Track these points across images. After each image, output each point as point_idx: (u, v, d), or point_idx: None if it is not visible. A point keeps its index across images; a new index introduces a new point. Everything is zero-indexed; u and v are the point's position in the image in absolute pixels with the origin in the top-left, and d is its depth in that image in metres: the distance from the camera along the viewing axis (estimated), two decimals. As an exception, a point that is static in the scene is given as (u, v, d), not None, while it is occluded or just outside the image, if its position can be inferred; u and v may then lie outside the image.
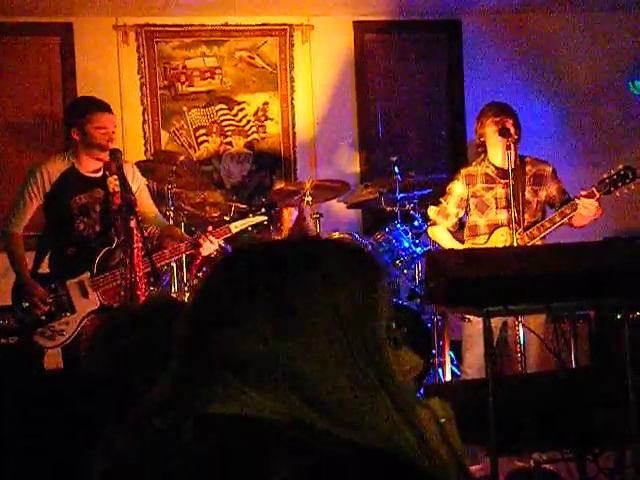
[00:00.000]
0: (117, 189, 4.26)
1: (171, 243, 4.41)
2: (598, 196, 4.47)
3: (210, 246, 4.40)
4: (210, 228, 4.46)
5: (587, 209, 4.47)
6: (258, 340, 1.04)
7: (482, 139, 4.71)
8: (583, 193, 4.49)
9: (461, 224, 4.88)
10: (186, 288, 5.27)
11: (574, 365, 3.87)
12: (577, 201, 4.48)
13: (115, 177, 4.27)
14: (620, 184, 4.50)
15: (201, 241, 4.37)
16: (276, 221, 5.78)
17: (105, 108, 4.35)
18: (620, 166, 4.53)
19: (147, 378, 1.74)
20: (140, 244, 4.00)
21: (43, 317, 4.20)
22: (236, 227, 4.58)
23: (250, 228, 4.92)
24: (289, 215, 5.92)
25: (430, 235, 5.06)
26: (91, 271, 4.28)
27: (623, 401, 3.14)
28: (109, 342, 1.88)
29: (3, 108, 6.32)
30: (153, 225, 4.56)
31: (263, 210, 4.77)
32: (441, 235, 4.84)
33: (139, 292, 3.98)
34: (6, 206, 4.51)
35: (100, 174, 4.38)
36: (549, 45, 7.11)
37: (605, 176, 4.53)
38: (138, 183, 4.50)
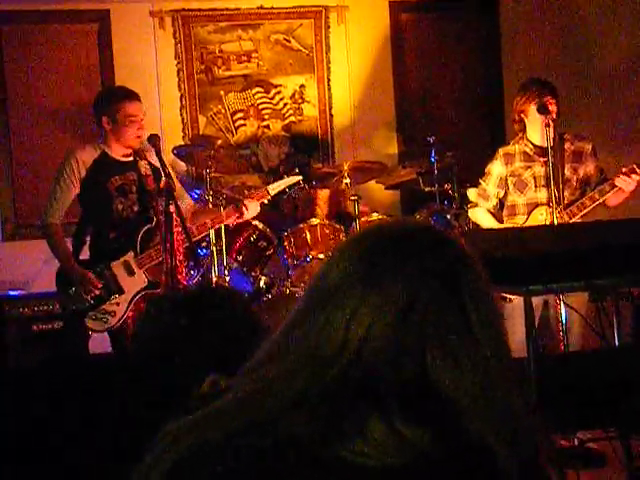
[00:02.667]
0: (149, 172, 4.31)
1: (210, 214, 4.48)
2: (639, 173, 4.41)
3: (253, 208, 4.49)
4: (247, 192, 4.51)
5: (627, 184, 4.40)
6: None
7: (522, 115, 4.65)
8: (624, 170, 4.43)
9: (501, 204, 4.83)
10: (226, 272, 5.30)
11: (617, 343, 3.84)
12: (617, 179, 4.42)
13: (145, 162, 4.33)
14: None
15: (243, 206, 4.46)
16: (313, 203, 5.78)
17: (134, 97, 4.40)
18: None
19: (193, 363, 1.76)
20: (179, 228, 4.03)
21: (92, 301, 4.25)
22: (273, 189, 4.64)
23: (287, 189, 4.94)
24: (323, 197, 5.92)
25: (471, 217, 5.01)
26: (135, 250, 4.33)
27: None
28: (157, 323, 1.89)
29: (42, 95, 6.38)
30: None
31: (297, 170, 4.82)
32: (482, 216, 4.80)
33: (180, 276, 4.01)
34: (45, 193, 4.54)
35: (131, 158, 4.42)
36: (585, 22, 7.00)
37: None
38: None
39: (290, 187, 4.93)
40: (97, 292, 4.24)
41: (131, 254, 4.33)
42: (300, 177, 4.88)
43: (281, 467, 0.91)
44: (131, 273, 4.32)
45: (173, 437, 0.99)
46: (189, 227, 4.27)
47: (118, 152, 4.42)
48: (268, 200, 4.70)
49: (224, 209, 4.49)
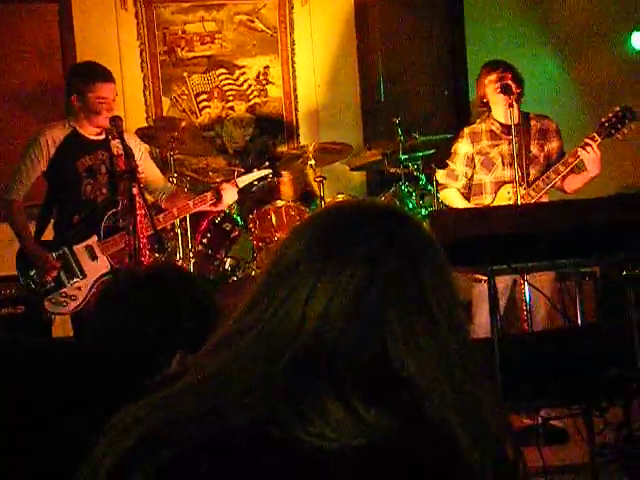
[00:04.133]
0: (120, 152, 4.24)
1: (184, 199, 4.46)
2: (599, 140, 4.41)
3: (231, 195, 4.51)
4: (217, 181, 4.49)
5: (590, 154, 4.40)
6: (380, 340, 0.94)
7: (485, 100, 4.67)
8: (585, 141, 4.44)
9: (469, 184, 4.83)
10: (191, 254, 5.27)
11: (580, 322, 3.87)
12: (578, 148, 4.43)
13: (118, 141, 4.25)
14: (620, 125, 4.42)
15: (222, 191, 4.47)
16: (278, 185, 5.77)
17: (107, 78, 4.33)
18: (617, 107, 4.46)
19: (150, 350, 1.74)
20: (143, 211, 4.00)
21: (52, 284, 4.20)
22: (242, 182, 4.61)
23: (256, 182, 4.92)
24: (288, 178, 5.90)
25: (442, 199, 4.97)
26: (98, 234, 4.29)
27: (629, 356, 3.14)
28: (107, 312, 1.86)
29: (1, 77, 6.28)
30: (162, 192, 4.59)
31: (267, 164, 4.81)
32: (453, 197, 4.78)
33: (143, 259, 3.99)
34: (6, 174, 4.49)
35: (103, 137, 4.37)
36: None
37: (604, 119, 4.46)
38: (141, 152, 4.50)
39: (259, 180, 4.91)
40: (54, 273, 4.19)
41: (95, 238, 4.29)
42: (270, 171, 4.86)
43: (236, 452, 0.90)
44: (94, 258, 4.27)
45: (125, 424, 0.97)
46: (171, 210, 4.29)
47: (89, 130, 4.36)
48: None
49: (199, 196, 4.45)
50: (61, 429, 1.58)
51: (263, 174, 4.81)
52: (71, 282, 4.24)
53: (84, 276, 4.26)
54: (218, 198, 4.47)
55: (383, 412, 0.91)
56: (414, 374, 0.93)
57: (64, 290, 4.22)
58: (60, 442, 1.56)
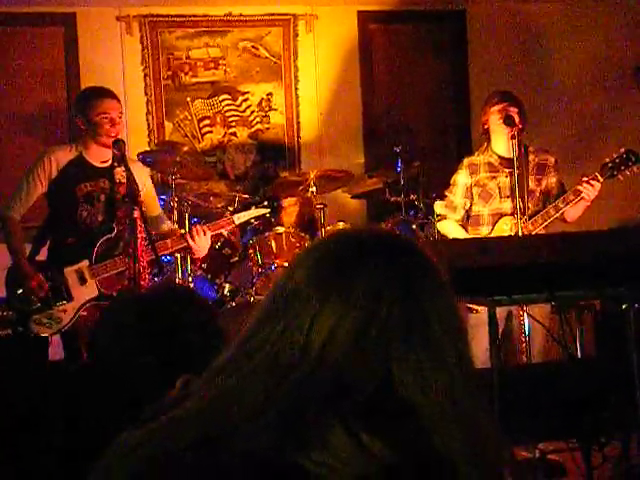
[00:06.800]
0: (124, 180, 4.22)
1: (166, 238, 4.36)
2: (602, 181, 4.43)
3: (201, 242, 4.29)
4: (211, 222, 4.44)
5: (590, 193, 4.42)
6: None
7: (486, 127, 4.68)
8: (586, 178, 4.46)
9: (467, 215, 4.84)
10: (190, 278, 5.26)
11: (579, 355, 3.86)
12: (580, 187, 4.44)
13: (122, 168, 4.24)
14: (623, 168, 4.44)
15: (188, 237, 4.28)
16: (278, 212, 5.78)
17: (106, 94, 4.33)
18: (622, 149, 4.48)
19: (154, 372, 1.74)
20: (143, 234, 3.99)
21: (39, 304, 4.18)
22: (239, 218, 4.58)
23: (253, 220, 4.92)
24: (290, 205, 5.91)
25: (441, 230, 4.98)
26: (90, 259, 4.26)
27: (629, 390, 3.13)
28: (118, 331, 1.86)
29: (6, 98, 6.31)
30: (154, 224, 4.51)
31: (266, 203, 4.81)
32: (451, 228, 4.78)
33: (143, 282, 3.97)
34: (6, 195, 4.48)
35: (108, 164, 4.36)
36: (551, 34, 7.08)
37: (608, 160, 4.48)
38: (143, 181, 4.46)
39: (256, 218, 4.90)
40: (42, 293, 4.16)
41: (86, 262, 4.26)
42: (268, 210, 4.86)
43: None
44: (83, 282, 4.24)
45: (125, 449, 0.96)
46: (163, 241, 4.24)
47: (96, 157, 4.33)
48: (232, 228, 4.69)
49: (169, 239, 4.34)
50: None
51: (261, 213, 4.80)
52: (58, 304, 4.20)
53: (71, 299, 4.22)
54: (188, 247, 4.36)
55: (387, 441, 0.90)
56: (419, 403, 0.93)
57: (50, 312, 4.20)
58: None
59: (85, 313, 4.22)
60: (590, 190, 4.41)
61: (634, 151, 4.48)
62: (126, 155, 4.20)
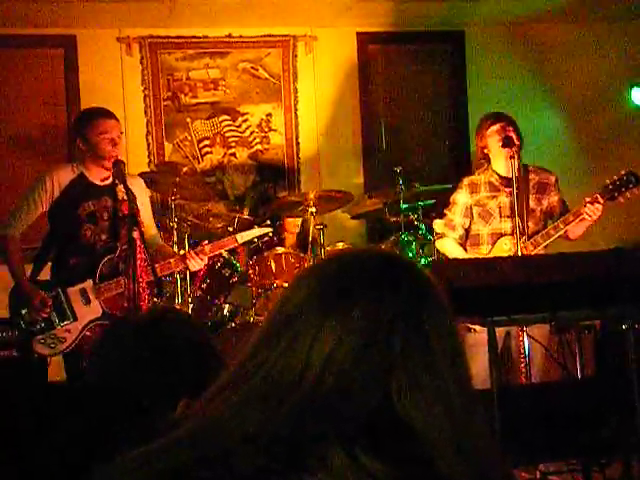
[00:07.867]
0: (125, 197, 4.23)
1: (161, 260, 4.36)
2: (602, 202, 4.44)
3: (197, 262, 4.35)
4: (205, 242, 4.43)
5: (592, 215, 4.43)
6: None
7: (485, 151, 4.68)
8: (587, 199, 4.46)
9: (466, 234, 4.84)
10: (190, 299, 5.26)
11: (579, 375, 3.85)
12: (581, 209, 4.45)
13: (123, 187, 4.23)
14: (624, 189, 4.45)
15: (187, 259, 4.32)
16: (280, 232, 5.79)
17: (105, 114, 4.34)
18: (623, 171, 4.49)
19: (151, 393, 1.74)
20: (143, 255, 3.98)
21: (42, 324, 4.16)
22: (242, 238, 4.58)
23: (255, 240, 4.93)
24: (292, 226, 5.93)
25: (439, 249, 4.98)
26: (94, 279, 4.26)
27: (629, 411, 3.12)
28: (109, 354, 1.86)
29: (6, 120, 6.33)
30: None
31: (268, 222, 4.82)
32: (450, 247, 4.78)
33: (142, 303, 3.96)
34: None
35: (109, 182, 4.36)
36: (550, 55, 7.12)
37: (608, 182, 4.49)
38: (142, 199, 4.46)
39: (259, 237, 4.92)
40: (46, 313, 4.15)
41: (90, 282, 4.25)
42: (270, 229, 4.92)
43: None
44: (87, 301, 4.23)
45: (122, 470, 0.96)
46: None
47: (96, 175, 4.34)
48: (235, 247, 4.70)
49: (172, 259, 4.36)
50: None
51: (263, 232, 4.83)
52: (61, 324, 4.19)
53: (75, 319, 4.21)
54: (184, 266, 4.40)
55: (386, 462, 0.90)
56: (419, 424, 0.92)
57: (53, 332, 4.18)
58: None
59: (89, 333, 4.21)
60: (592, 212, 4.42)
61: (635, 173, 4.48)
62: (125, 175, 4.20)
